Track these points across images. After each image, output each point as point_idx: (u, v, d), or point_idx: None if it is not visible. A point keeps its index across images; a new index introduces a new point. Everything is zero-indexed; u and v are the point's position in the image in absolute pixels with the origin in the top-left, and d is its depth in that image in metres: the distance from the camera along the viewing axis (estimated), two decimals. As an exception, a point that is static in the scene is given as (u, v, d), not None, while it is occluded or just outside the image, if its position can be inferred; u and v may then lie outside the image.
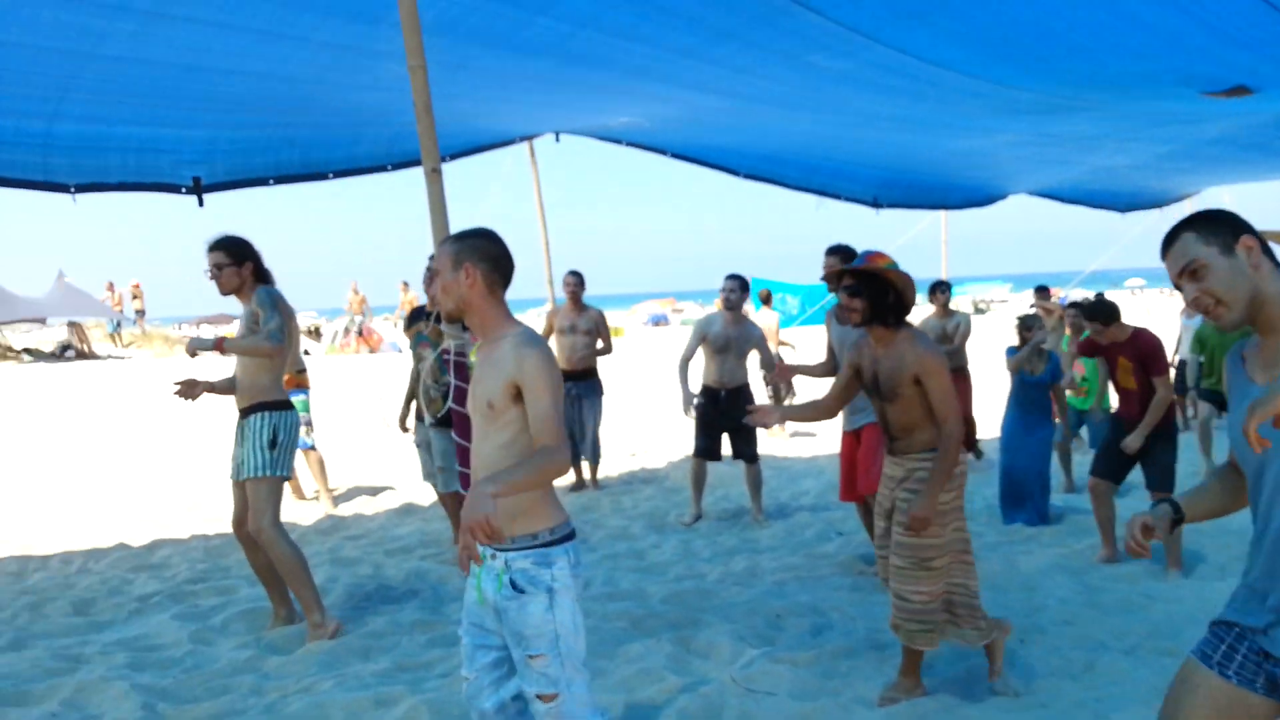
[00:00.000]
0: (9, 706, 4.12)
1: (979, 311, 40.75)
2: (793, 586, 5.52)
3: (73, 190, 6.23)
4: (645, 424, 12.79)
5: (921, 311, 9.60)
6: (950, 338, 8.84)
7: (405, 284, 28.52)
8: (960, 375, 8.60)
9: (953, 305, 9.99)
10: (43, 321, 28.92)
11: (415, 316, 6.27)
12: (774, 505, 7.59)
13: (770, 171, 10.20)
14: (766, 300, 12.46)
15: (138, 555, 6.75)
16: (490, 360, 2.73)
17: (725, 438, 7.18)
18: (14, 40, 5.00)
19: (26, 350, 26.93)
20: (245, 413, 4.78)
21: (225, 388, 4.84)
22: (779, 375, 5.94)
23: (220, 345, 4.67)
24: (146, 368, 23.64)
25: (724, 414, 7.03)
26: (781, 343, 12.19)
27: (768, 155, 9.89)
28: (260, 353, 4.66)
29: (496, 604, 2.70)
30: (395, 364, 21.67)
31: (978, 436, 9.04)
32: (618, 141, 9.23)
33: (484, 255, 2.75)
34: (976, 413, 9.10)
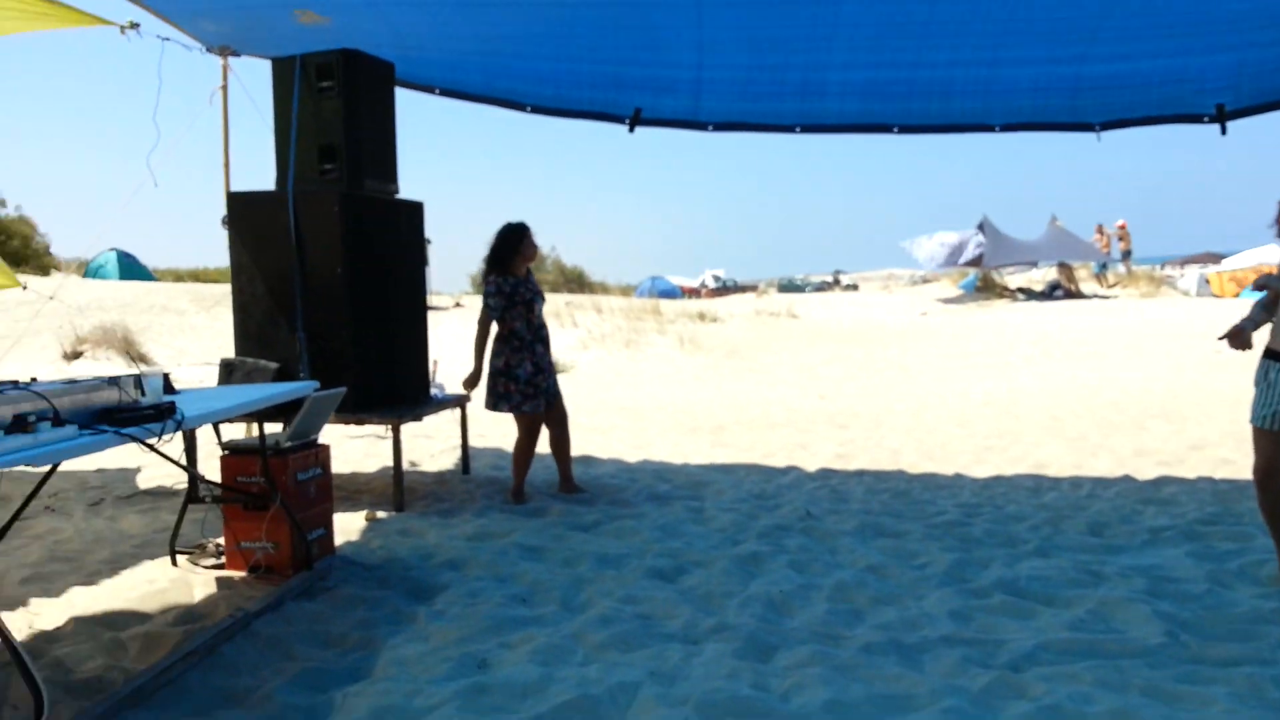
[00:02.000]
0: (1041, 605, 4.57)
1: None
2: None
3: (1097, 129, 6.48)
4: None
5: None
6: None
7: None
8: None
9: None
10: (1034, 263, 31.01)
11: None
12: None
13: None
14: None
15: (1143, 489, 6.86)
16: None
17: None
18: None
19: (1020, 289, 29.28)
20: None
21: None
22: None
23: None
24: (1128, 307, 23.70)
25: None
26: None
27: None
28: None
29: None
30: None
31: None
32: None
33: None
34: None
